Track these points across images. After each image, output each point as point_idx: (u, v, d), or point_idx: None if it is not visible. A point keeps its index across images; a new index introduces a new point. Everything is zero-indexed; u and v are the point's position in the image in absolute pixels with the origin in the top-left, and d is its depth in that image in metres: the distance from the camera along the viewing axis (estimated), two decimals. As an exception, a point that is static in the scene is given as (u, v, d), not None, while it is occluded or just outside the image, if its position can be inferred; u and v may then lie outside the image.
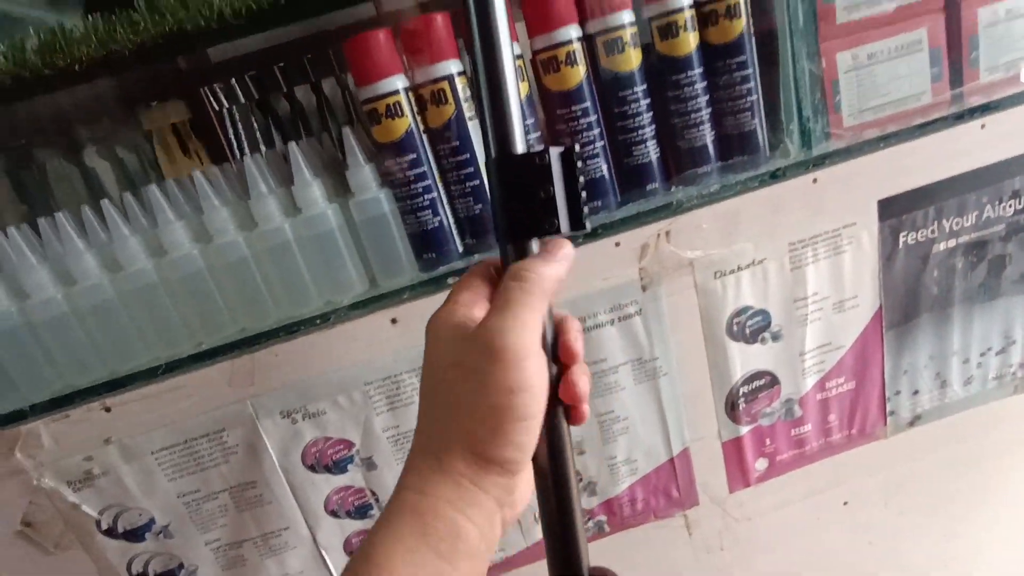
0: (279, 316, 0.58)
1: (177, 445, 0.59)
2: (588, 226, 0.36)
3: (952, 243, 0.66)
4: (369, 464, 0.62)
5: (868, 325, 0.67)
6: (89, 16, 0.44)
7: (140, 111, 0.90)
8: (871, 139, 0.60)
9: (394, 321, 0.57)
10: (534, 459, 0.36)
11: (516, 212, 0.35)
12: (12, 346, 0.55)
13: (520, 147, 0.35)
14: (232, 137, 0.93)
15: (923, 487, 0.75)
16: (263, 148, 0.92)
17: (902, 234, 0.64)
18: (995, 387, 0.73)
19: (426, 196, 0.55)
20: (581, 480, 0.67)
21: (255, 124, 0.94)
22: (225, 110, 0.90)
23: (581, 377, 0.36)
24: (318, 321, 0.57)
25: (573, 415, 0.37)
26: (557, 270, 0.34)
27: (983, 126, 0.61)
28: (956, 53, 0.60)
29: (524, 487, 0.36)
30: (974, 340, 0.71)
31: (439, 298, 0.48)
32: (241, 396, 0.58)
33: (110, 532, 0.61)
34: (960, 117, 0.61)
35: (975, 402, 0.73)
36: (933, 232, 0.65)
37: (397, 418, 0.61)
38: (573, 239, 0.38)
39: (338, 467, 0.62)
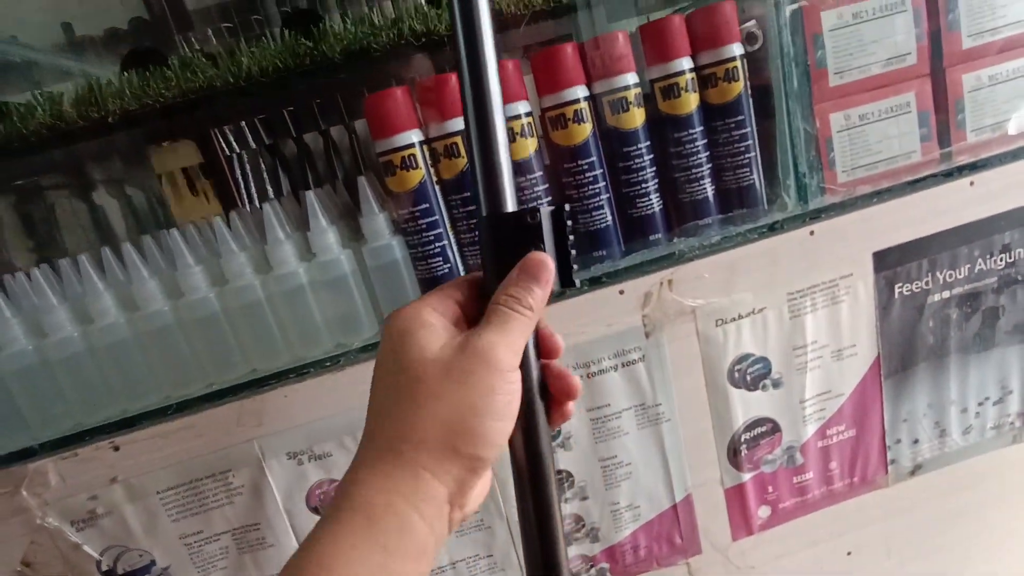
0: (290, 358, 0.59)
1: (182, 485, 0.59)
2: (577, 283, 0.37)
3: (946, 294, 0.68)
4: (373, 507, 0.62)
5: (867, 373, 0.69)
6: (124, 72, 0.47)
7: (151, 151, 0.93)
8: (865, 194, 0.62)
9: (402, 364, 0.58)
10: (513, 461, 0.37)
11: (507, 269, 0.35)
12: (27, 384, 0.56)
13: (511, 205, 0.36)
14: (240, 179, 0.96)
15: (925, 537, 0.75)
16: (271, 191, 0.94)
17: (897, 285, 0.66)
18: (994, 436, 0.74)
19: (437, 244, 0.57)
20: (584, 526, 0.67)
21: (263, 167, 0.97)
22: (235, 155, 0.93)
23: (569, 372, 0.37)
24: (328, 363, 0.58)
25: (558, 413, 0.38)
26: (546, 294, 0.36)
27: (972, 183, 0.64)
28: (943, 115, 0.63)
29: (477, 490, 0.36)
30: (971, 389, 0.72)
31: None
32: (249, 437, 0.58)
33: (110, 573, 0.60)
34: (949, 175, 0.63)
35: (974, 451, 0.74)
36: (927, 284, 0.67)
37: (402, 461, 0.61)
38: (576, 287, 0.39)
39: (342, 510, 0.62)
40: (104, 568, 0.60)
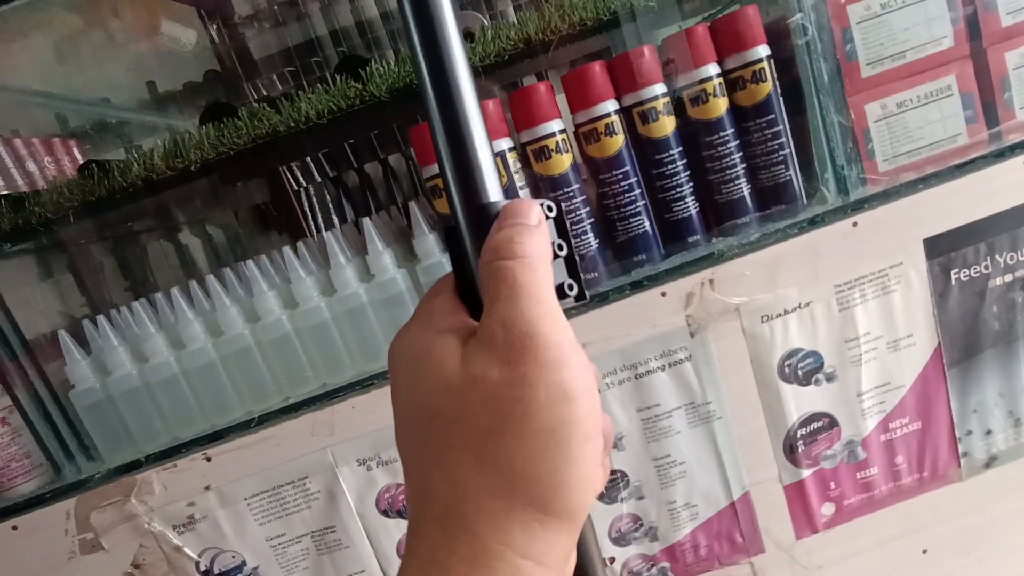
0: (355, 372, 0.64)
1: (266, 492, 0.65)
2: (587, 296, 0.30)
3: (1008, 278, 0.65)
4: (438, 509, 0.66)
5: (928, 363, 0.67)
6: (202, 126, 0.54)
7: (227, 192, 1.02)
8: (909, 182, 0.62)
9: (457, 373, 0.62)
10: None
11: None
12: (132, 403, 0.63)
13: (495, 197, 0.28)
14: (308, 210, 1.04)
15: (1004, 532, 0.72)
16: (336, 220, 1.02)
17: (953, 271, 0.64)
18: (1078, 425, 0.70)
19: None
20: (642, 525, 0.69)
21: (328, 198, 1.05)
22: (302, 189, 1.01)
23: None
24: (389, 375, 0.62)
25: None
26: (545, 239, 0.26)
27: (1026, 162, 0.62)
28: (988, 95, 0.62)
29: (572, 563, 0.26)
30: (1047, 376, 0.69)
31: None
32: (323, 445, 0.64)
33: (207, 574, 0.67)
34: (1000, 155, 0.62)
35: (1057, 442, 0.70)
36: (987, 268, 0.65)
37: (462, 465, 0.65)
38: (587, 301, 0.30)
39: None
40: (202, 569, 0.67)
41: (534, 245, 0.25)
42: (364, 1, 1.19)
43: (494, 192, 0.27)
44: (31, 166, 0.96)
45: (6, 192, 0.82)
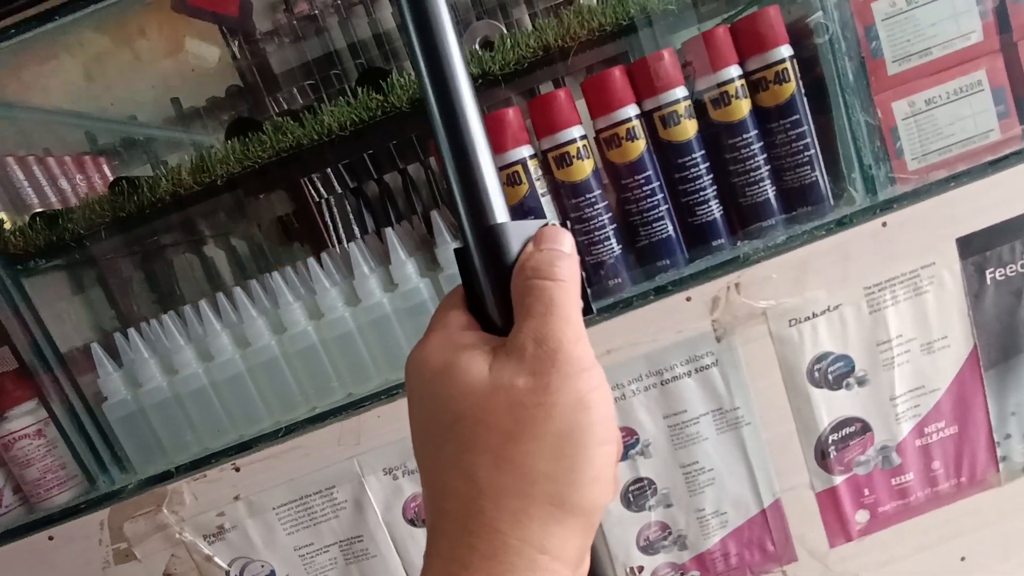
0: (380, 381, 0.64)
1: (294, 501, 0.65)
2: (594, 309, 0.31)
3: (1047, 277, 0.63)
4: (464, 518, 0.66)
5: (964, 366, 0.65)
6: (228, 141, 0.55)
7: (250, 204, 1.04)
8: (940, 180, 0.60)
9: (482, 381, 0.62)
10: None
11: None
12: (163, 415, 0.64)
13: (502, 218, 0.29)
14: (329, 221, 1.05)
15: (1049, 539, 0.70)
16: (357, 231, 1.03)
17: (988, 271, 0.63)
18: (1124, 427, 0.68)
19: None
20: (670, 533, 0.68)
21: (349, 208, 1.06)
22: (323, 200, 1.02)
23: None
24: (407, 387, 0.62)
25: None
26: (575, 265, 0.28)
27: (1062, 157, 0.60)
28: (1021, 89, 0.60)
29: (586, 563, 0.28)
30: (1090, 377, 0.66)
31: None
32: (349, 455, 0.64)
33: (238, 583, 0.67)
34: (1035, 151, 0.60)
35: (1102, 445, 0.68)
36: (1023, 266, 0.63)
37: (488, 473, 0.64)
38: (594, 314, 0.31)
39: (436, 521, 0.66)
40: (232, 578, 0.67)
41: (570, 271, 0.27)
42: (381, 14, 1.20)
43: (501, 214, 0.29)
44: (64, 184, 0.99)
45: (41, 210, 0.84)
